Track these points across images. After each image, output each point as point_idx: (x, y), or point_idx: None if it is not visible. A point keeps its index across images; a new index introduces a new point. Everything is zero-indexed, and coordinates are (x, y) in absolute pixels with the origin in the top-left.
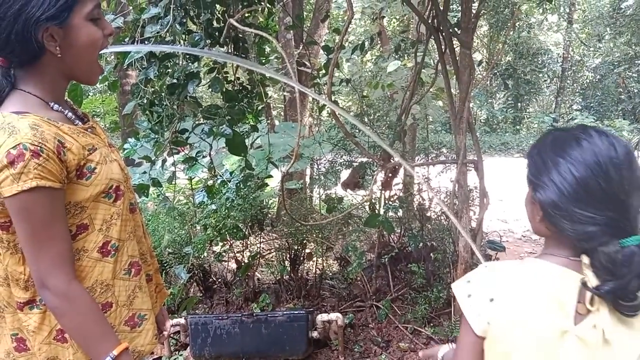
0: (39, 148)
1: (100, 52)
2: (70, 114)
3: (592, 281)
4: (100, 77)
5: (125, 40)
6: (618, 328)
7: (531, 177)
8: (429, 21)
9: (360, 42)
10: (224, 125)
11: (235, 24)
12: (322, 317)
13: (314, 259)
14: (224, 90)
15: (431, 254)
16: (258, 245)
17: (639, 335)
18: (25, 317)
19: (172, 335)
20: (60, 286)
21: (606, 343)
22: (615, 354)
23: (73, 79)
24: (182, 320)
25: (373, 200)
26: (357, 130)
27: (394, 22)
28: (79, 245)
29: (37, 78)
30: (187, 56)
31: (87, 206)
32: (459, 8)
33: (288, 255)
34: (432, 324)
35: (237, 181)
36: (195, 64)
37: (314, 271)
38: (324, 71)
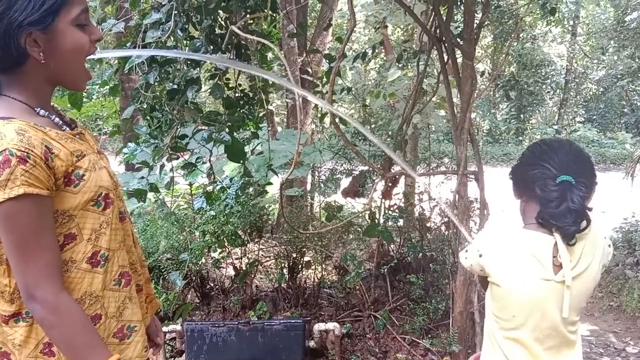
0: (25, 154)
1: (99, 57)
2: (57, 120)
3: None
4: (100, 81)
5: (127, 45)
6: (573, 271)
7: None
8: (432, 31)
9: (362, 51)
10: (224, 132)
11: (238, 31)
12: (319, 327)
13: (313, 267)
14: (225, 96)
15: (430, 265)
16: (256, 252)
17: (580, 262)
18: (11, 330)
19: (167, 341)
20: (48, 298)
21: (569, 285)
22: (573, 292)
23: (59, 85)
24: (178, 327)
25: (373, 210)
26: (358, 139)
27: (397, 32)
28: (67, 256)
29: (21, 83)
30: (188, 62)
31: (76, 215)
32: (462, 19)
33: (286, 263)
34: (430, 336)
35: (236, 188)
36: (196, 70)
37: (312, 280)
38: (326, 79)
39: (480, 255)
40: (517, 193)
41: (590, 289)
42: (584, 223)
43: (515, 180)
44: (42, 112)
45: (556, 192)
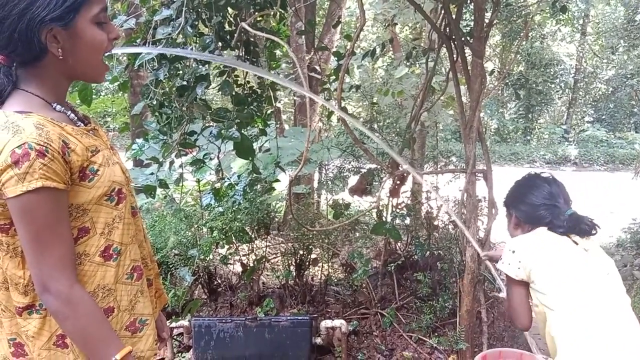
0: (44, 148)
1: (112, 54)
2: (72, 115)
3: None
4: (110, 77)
5: (137, 41)
6: (588, 244)
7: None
8: (442, 29)
9: (371, 49)
10: (233, 129)
11: (247, 27)
12: (326, 324)
13: (320, 264)
14: (234, 93)
15: (437, 263)
16: (264, 249)
17: (593, 244)
18: (25, 322)
19: (175, 337)
20: (62, 290)
21: (589, 251)
22: (591, 255)
23: (76, 79)
24: (185, 323)
25: (380, 208)
26: (366, 137)
27: (406, 30)
28: (80, 250)
29: (39, 78)
30: (198, 59)
31: (89, 209)
32: (472, 17)
33: (294, 260)
34: (436, 334)
35: (244, 184)
36: (206, 67)
37: (319, 277)
38: (334, 77)
39: (513, 252)
40: (519, 224)
41: (606, 257)
42: (594, 230)
43: (521, 217)
44: (58, 107)
45: (568, 222)
